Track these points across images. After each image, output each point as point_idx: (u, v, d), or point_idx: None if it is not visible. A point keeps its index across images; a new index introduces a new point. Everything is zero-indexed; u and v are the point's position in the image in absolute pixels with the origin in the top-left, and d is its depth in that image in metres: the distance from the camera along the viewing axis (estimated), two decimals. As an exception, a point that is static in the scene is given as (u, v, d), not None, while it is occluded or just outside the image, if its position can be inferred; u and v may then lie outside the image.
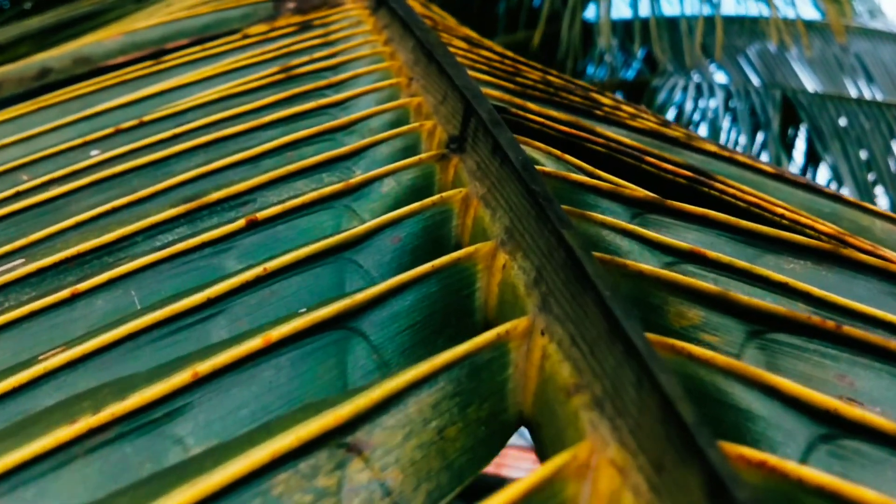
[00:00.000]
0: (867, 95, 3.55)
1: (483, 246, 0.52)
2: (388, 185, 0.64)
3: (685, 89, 3.30)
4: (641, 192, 0.64)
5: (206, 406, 0.42)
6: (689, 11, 3.45)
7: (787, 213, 0.67)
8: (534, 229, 0.49)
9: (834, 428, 0.39)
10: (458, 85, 0.72)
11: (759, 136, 3.20)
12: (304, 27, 1.13)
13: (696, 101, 3.31)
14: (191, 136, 0.80)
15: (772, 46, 3.71)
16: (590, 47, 3.74)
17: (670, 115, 3.35)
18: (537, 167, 0.63)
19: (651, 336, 0.41)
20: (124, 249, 0.61)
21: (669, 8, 4.97)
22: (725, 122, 3.23)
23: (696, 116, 3.34)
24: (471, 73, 0.89)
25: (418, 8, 1.32)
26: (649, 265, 0.52)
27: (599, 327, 0.38)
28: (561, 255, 0.44)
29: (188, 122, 0.84)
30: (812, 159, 3.27)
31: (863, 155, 3.08)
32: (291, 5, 1.30)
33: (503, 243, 0.52)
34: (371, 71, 0.91)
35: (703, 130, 3.29)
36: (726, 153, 0.81)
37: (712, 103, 3.32)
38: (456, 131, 0.69)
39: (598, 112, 0.85)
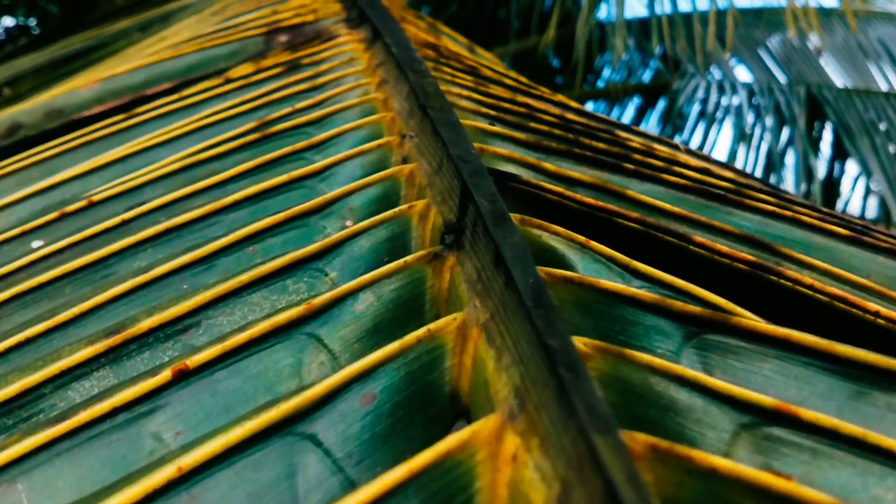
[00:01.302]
0: (893, 79, 3.31)
1: (484, 426, 0.35)
2: (366, 302, 0.47)
3: (707, 90, 3.08)
4: (698, 298, 0.47)
5: None
6: (705, 6, 3.24)
7: (883, 311, 0.49)
8: (555, 412, 0.32)
9: None
10: (454, 155, 0.56)
11: (784, 133, 2.99)
12: (292, 67, 0.97)
13: (718, 100, 3.10)
14: (142, 224, 0.64)
15: (793, 37, 3.49)
16: (605, 49, 3.54)
17: (692, 113, 3.14)
18: (557, 271, 0.46)
19: None
20: (28, 407, 0.45)
21: (685, 4, 4.74)
22: (749, 118, 3.02)
23: (719, 114, 3.13)
24: (477, 123, 0.72)
25: (422, 35, 1.15)
26: (723, 447, 0.35)
27: None
28: (597, 483, 0.27)
29: (143, 201, 0.68)
30: (839, 154, 3.06)
31: (892, 148, 2.86)
32: (283, 39, 1.14)
33: (512, 416, 0.35)
34: (359, 126, 0.74)
35: (726, 129, 3.09)
36: (787, 212, 0.64)
37: (735, 100, 3.11)
38: (453, 216, 0.53)
39: (627, 165, 0.67)
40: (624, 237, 0.55)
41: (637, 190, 0.65)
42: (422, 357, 0.41)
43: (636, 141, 0.80)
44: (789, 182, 2.96)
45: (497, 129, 0.72)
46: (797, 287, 0.51)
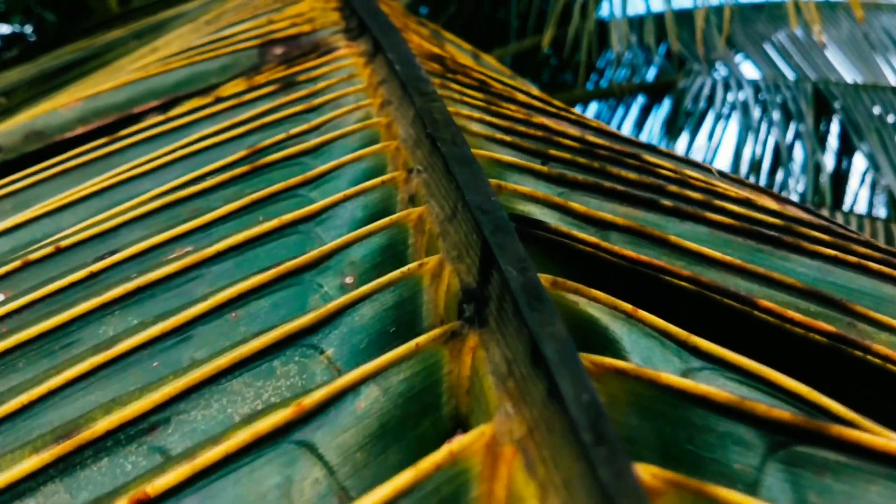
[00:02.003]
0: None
1: None
2: (369, 398, 0.37)
3: (713, 87, 2.97)
4: (777, 387, 0.37)
5: None
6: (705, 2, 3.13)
7: None
8: None
9: None
10: (471, 203, 0.46)
11: (791, 129, 2.88)
12: (287, 85, 0.87)
13: (724, 97, 2.99)
14: (112, 279, 0.54)
15: (799, 32, 3.37)
16: (608, 47, 3.43)
17: (699, 111, 3.03)
18: (606, 361, 0.36)
19: None
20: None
21: (687, 0, 4.63)
22: (756, 115, 2.91)
23: (725, 111, 3.03)
24: (491, 153, 0.62)
25: (425, 45, 1.06)
26: None
27: None
28: None
29: (117, 249, 0.58)
30: (847, 150, 2.95)
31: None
32: (278, 52, 1.04)
33: None
34: (361, 157, 0.64)
35: (733, 125, 2.98)
36: (850, 257, 0.54)
37: (741, 96, 3.00)
38: (472, 279, 0.43)
39: (664, 202, 0.58)
40: (674, 298, 0.46)
41: (678, 232, 0.55)
42: (441, 489, 0.31)
43: (666, 166, 0.71)
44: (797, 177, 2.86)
45: (514, 159, 0.62)
46: (887, 365, 0.41)
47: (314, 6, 1.21)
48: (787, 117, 2.89)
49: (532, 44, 3.30)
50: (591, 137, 0.74)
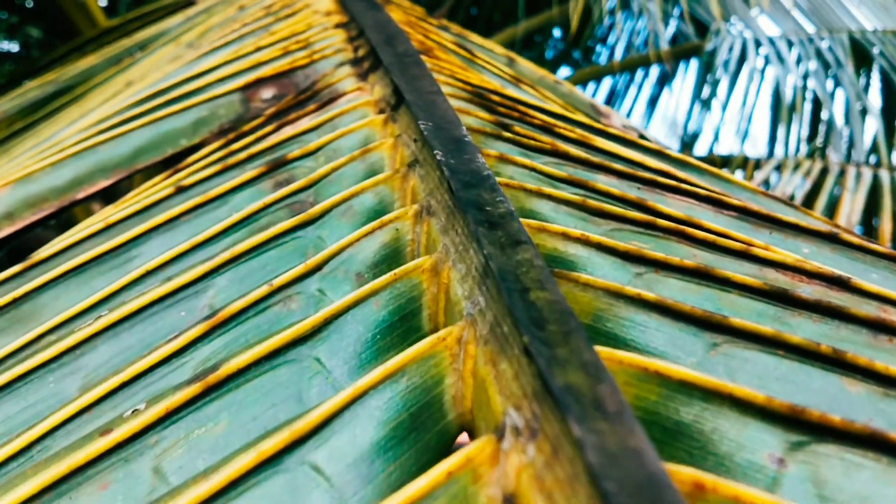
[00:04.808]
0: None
1: None
2: None
3: (744, 47, 2.57)
4: None
5: None
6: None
7: None
8: None
9: None
10: None
11: (829, 84, 2.49)
12: (275, 166, 0.54)
13: (756, 54, 2.60)
14: None
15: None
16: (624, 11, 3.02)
17: (731, 72, 2.63)
18: None
19: None
20: None
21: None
22: (791, 72, 2.52)
23: (759, 70, 2.63)
24: (633, 358, 0.30)
25: (458, 72, 0.71)
26: None
27: None
28: None
29: None
30: (890, 103, 2.56)
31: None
32: (267, 94, 0.71)
33: None
34: (397, 373, 0.32)
35: (766, 87, 2.59)
36: None
37: (772, 52, 2.61)
38: None
39: None
40: None
41: None
42: None
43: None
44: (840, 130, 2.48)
45: (680, 372, 0.29)
46: None
47: (312, 22, 0.87)
48: (826, 68, 2.51)
49: (539, 22, 2.89)
50: (758, 249, 0.41)
